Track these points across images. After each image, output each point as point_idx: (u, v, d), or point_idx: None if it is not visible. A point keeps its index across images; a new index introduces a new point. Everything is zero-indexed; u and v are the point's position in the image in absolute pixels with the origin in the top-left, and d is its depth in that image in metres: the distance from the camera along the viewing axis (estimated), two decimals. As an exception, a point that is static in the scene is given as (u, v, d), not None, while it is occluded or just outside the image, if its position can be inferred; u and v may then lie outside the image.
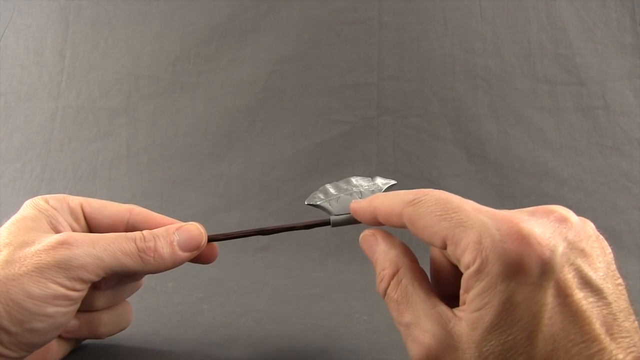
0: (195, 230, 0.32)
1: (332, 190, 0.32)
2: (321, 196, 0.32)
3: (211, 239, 0.33)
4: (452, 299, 0.24)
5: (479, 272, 0.21)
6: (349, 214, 0.31)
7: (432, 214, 0.24)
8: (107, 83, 0.73)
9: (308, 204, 0.32)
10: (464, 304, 0.22)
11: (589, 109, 0.69)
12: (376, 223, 0.29)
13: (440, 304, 0.24)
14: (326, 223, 0.32)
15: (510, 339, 0.20)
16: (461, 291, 0.23)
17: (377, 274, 0.27)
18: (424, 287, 0.25)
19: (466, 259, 0.22)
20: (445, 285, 0.27)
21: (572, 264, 0.21)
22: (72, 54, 0.74)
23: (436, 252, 0.28)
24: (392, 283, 0.26)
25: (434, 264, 0.28)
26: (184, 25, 0.72)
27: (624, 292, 0.22)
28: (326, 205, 0.32)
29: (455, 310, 0.23)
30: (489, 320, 0.21)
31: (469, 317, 0.22)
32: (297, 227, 0.33)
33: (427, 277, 0.26)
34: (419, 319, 0.24)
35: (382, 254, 0.27)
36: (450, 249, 0.23)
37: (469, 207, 0.23)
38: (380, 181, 0.32)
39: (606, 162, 0.68)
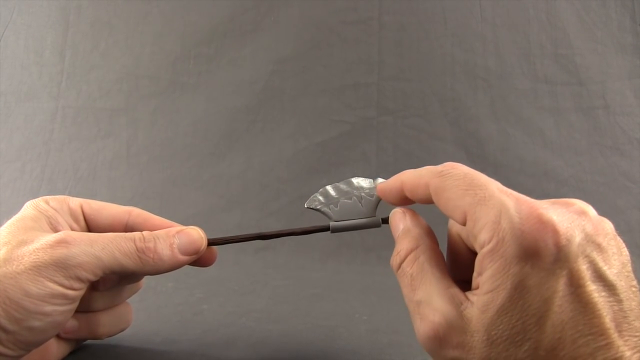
0: (196, 235, 0.32)
1: (332, 193, 0.32)
2: (321, 199, 0.32)
3: (210, 243, 0.33)
4: (466, 284, 0.24)
5: (493, 252, 0.21)
6: (348, 220, 0.31)
7: (457, 187, 0.24)
8: (107, 83, 0.73)
9: (308, 208, 0.32)
10: (477, 287, 0.22)
11: (589, 109, 0.69)
12: (402, 201, 0.29)
13: (454, 286, 0.24)
14: (325, 229, 0.32)
15: (519, 323, 0.20)
16: (474, 274, 0.23)
17: (395, 248, 0.27)
18: (440, 268, 0.25)
19: (482, 237, 0.22)
20: (460, 269, 0.27)
21: (587, 256, 0.21)
22: (72, 54, 0.74)
23: (454, 235, 0.28)
24: (409, 258, 0.26)
25: (451, 247, 0.28)
26: (184, 25, 0.72)
27: (637, 294, 0.22)
28: (326, 210, 0.31)
29: (468, 293, 0.23)
30: (500, 303, 0.21)
31: (481, 300, 0.22)
32: (296, 233, 0.33)
33: (444, 261, 0.26)
34: (431, 297, 0.24)
35: (405, 230, 0.27)
36: (469, 225, 0.23)
37: (494, 186, 0.23)
38: (381, 182, 0.32)
39: (606, 162, 0.68)
